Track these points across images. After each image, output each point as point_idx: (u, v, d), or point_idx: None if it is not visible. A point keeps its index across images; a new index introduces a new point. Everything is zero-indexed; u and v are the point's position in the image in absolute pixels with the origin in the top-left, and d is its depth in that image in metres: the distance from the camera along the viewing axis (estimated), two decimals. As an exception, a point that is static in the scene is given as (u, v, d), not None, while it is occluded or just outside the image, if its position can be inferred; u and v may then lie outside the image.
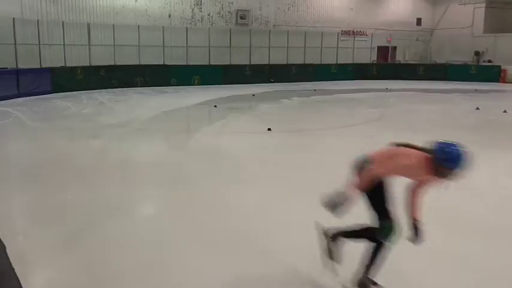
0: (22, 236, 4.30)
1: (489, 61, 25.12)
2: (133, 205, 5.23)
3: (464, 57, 25.64)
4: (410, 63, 26.83)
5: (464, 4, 26.96)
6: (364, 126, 10.72)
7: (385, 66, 25.99)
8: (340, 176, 6.32)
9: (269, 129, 9.58)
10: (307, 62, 23.72)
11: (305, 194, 5.49)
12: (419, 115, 12.70)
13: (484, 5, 26.16)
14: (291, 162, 7.12)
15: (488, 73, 23.86)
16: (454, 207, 5.05)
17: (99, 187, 5.77)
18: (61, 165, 6.96)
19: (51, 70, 16.73)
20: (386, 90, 19.35)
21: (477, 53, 25.84)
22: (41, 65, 16.79)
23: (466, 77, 23.81)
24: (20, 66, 15.84)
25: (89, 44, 18.46)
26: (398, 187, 3.20)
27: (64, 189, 5.67)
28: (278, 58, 23.07)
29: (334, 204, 2.96)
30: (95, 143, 8.70)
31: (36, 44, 16.86)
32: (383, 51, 26.90)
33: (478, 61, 25.63)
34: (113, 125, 10.56)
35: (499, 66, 23.81)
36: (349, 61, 25.30)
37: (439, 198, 5.30)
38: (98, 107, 13.57)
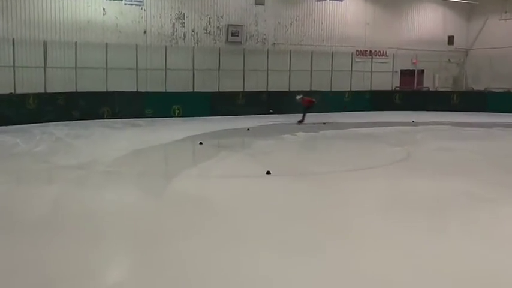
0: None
1: (538, 88, 25.55)
2: (95, 270, 5.16)
3: (507, 83, 26.05)
4: (442, 91, 27.24)
5: (505, 20, 27.62)
6: (385, 169, 10.74)
7: (411, 95, 26.33)
8: (357, 233, 6.36)
9: (268, 172, 9.57)
10: (314, 88, 23.99)
11: (314, 255, 5.46)
12: (454, 155, 12.78)
13: (530, 19, 26.85)
14: (296, 214, 7.10)
15: (538, 103, 24.20)
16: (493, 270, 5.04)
17: (54, 246, 5.70)
18: (6, 217, 6.90)
19: (-3, 98, 16.89)
20: (413, 123, 19.57)
21: (524, 78, 26.32)
22: (-16, 91, 16.96)
23: (510, 107, 24.13)
24: (-42, 93, 16.01)
25: (45, 66, 18.67)
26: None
27: (10, 249, 5.61)
28: (278, 84, 23.38)
29: None
30: (49, 189, 8.67)
31: (-21, 66, 17.10)
32: (408, 75, 27.34)
33: (525, 88, 26.06)
34: (72, 166, 10.54)
35: (552, 94, 24.19)
36: (366, 88, 25.66)
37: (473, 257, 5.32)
38: (54, 144, 13.59)
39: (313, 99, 19.77)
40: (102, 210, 7.35)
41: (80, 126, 17.09)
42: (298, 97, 19.60)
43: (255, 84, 23.04)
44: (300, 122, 19.02)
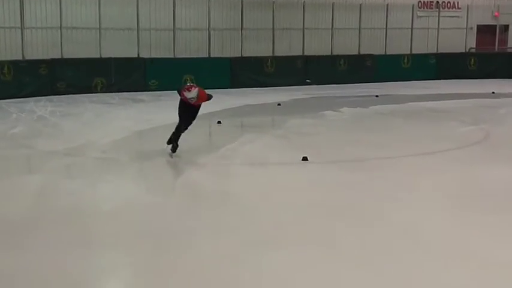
0: None
1: None
2: (90, 280, 5.25)
3: None
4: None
5: None
6: (456, 153, 10.68)
7: (490, 58, 25.93)
8: (423, 239, 6.28)
9: (305, 158, 9.62)
10: (363, 51, 23.82)
11: (358, 262, 5.47)
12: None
13: None
14: (339, 211, 7.10)
15: None
16: None
17: (38, 250, 5.79)
18: (-22, 216, 7.05)
19: (-36, 67, 17.16)
20: (493, 95, 19.38)
21: None
22: None
23: None
24: None
25: (22, 26, 18.83)
26: None
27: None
28: (318, 46, 23.29)
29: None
30: (30, 181, 8.79)
31: None
32: (487, 33, 26.88)
33: None
34: (58, 152, 10.67)
35: None
36: (431, 50, 25.35)
37: None
38: (36, 125, 13.78)
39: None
40: (97, 206, 7.43)
41: (68, 102, 17.26)
42: (191, 94, 11.51)
43: (287, 47, 22.96)
44: (174, 148, 10.75)
